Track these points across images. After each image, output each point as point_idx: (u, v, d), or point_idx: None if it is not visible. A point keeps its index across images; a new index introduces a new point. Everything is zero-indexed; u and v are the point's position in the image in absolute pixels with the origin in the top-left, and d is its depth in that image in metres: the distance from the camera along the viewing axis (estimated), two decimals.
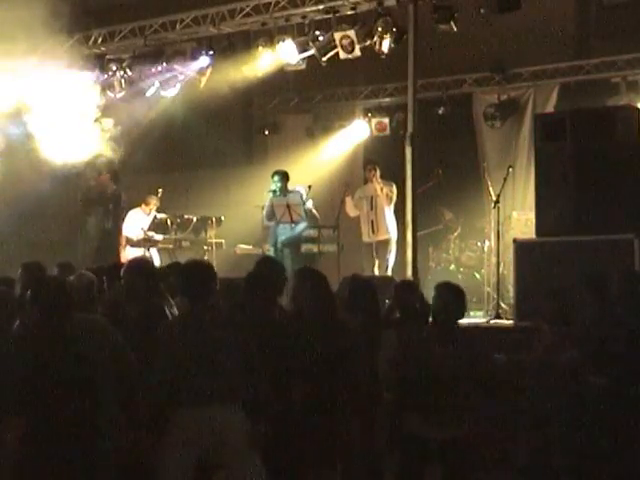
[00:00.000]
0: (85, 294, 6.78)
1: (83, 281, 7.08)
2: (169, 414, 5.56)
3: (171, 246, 13.01)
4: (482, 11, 10.96)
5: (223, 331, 5.66)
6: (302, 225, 12.16)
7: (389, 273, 12.09)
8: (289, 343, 6.11)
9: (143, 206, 13.28)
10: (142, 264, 7.08)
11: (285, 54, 12.29)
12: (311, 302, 6.33)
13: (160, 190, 13.18)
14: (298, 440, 6.00)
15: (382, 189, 12.36)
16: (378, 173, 12.52)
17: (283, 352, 6.01)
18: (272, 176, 12.25)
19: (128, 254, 12.84)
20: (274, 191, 12.10)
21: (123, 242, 13.11)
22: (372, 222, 12.48)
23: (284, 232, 12.14)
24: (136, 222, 13.17)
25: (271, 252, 12.08)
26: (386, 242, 12.37)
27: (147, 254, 13.02)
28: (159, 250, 13.17)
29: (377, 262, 12.36)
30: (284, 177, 12.26)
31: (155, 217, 13.18)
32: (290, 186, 12.26)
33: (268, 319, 6.26)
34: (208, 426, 5.50)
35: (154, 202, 13.27)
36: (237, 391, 5.58)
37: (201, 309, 5.73)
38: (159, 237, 13.04)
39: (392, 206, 12.44)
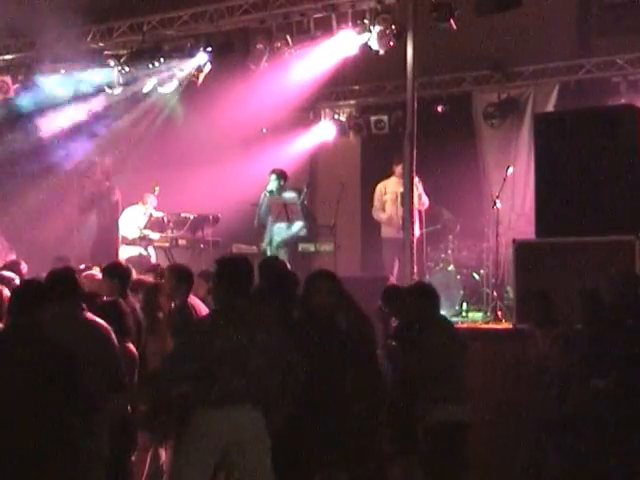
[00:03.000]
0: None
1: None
2: (192, 412, 5.49)
3: (167, 244, 12.94)
4: (481, 9, 10.91)
5: (252, 331, 5.57)
6: (298, 224, 12.11)
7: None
8: (310, 343, 6.07)
9: (140, 204, 13.23)
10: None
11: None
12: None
13: (157, 188, 13.14)
14: (306, 440, 5.96)
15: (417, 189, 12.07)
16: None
17: (305, 352, 5.96)
18: (269, 175, 12.22)
19: (124, 252, 12.78)
20: (271, 191, 12.07)
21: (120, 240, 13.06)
22: (403, 219, 12.15)
23: (280, 232, 12.10)
24: (133, 220, 13.11)
25: (267, 251, 12.03)
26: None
27: (144, 253, 13.00)
28: (155, 248, 13.11)
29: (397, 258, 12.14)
30: (281, 176, 12.21)
31: (151, 215, 13.13)
32: (287, 185, 12.22)
33: (289, 318, 6.23)
34: (231, 427, 5.44)
35: (151, 200, 13.21)
36: (261, 393, 5.51)
37: (230, 308, 5.66)
38: (155, 235, 12.98)
39: None
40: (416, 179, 11.58)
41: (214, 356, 5.46)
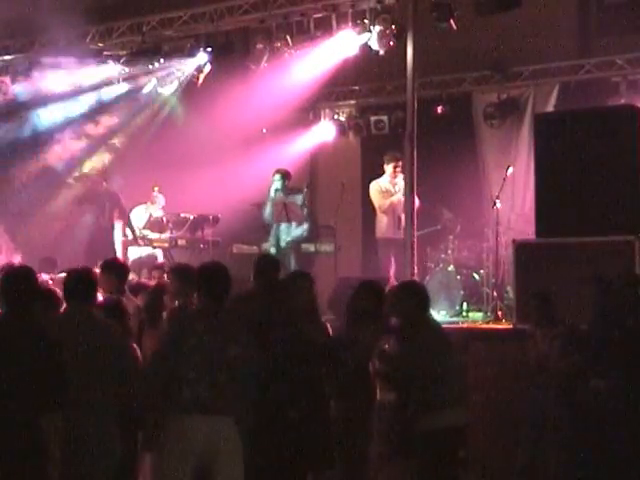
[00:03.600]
0: None
1: None
2: (164, 419, 5.49)
3: (167, 245, 12.94)
4: (481, 9, 10.92)
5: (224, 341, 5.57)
6: (305, 226, 12.11)
7: None
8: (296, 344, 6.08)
9: (149, 203, 13.24)
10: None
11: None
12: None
13: (156, 188, 13.15)
14: (297, 440, 5.96)
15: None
16: None
17: (287, 352, 5.96)
18: (273, 175, 12.22)
19: (130, 252, 12.80)
20: (276, 190, 12.09)
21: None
22: (399, 218, 12.18)
23: (288, 231, 12.08)
24: (136, 220, 13.12)
25: (272, 252, 12.01)
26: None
27: (151, 252, 13.01)
28: (155, 248, 13.11)
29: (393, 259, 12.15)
30: (285, 176, 12.21)
31: (151, 215, 13.13)
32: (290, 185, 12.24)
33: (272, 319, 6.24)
34: (205, 434, 5.43)
35: (159, 199, 13.22)
36: (236, 402, 5.50)
37: (207, 311, 5.68)
38: (154, 235, 12.98)
39: None
40: (401, 178, 11.66)
41: (183, 356, 5.48)
